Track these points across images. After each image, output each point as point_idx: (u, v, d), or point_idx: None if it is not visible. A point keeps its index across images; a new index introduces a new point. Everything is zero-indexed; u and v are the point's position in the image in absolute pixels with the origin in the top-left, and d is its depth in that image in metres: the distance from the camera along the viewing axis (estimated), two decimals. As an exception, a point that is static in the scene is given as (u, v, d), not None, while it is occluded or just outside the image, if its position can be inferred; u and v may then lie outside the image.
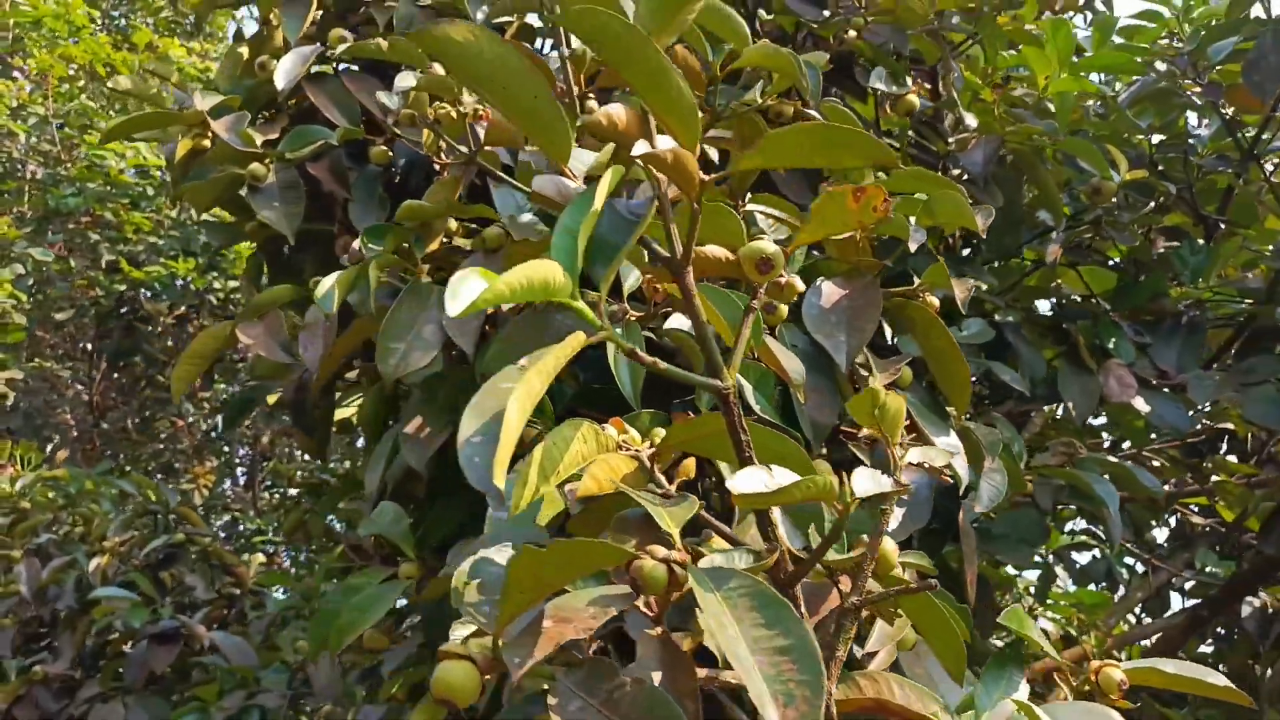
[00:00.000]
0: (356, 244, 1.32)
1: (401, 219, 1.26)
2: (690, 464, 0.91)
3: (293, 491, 6.61)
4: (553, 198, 0.72)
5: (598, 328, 0.67)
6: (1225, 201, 2.19)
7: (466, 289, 0.58)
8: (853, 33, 1.77)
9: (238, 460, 6.42)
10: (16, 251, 4.23)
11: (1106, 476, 1.77)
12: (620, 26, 0.65)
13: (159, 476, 5.66)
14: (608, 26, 0.65)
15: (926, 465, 0.87)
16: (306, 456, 4.82)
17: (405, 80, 1.18)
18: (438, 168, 1.29)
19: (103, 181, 4.60)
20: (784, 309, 1.07)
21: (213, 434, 5.97)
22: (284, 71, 1.67)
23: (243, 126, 1.58)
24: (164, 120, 1.64)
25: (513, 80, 0.72)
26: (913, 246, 1.16)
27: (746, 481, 0.65)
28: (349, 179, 1.68)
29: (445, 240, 1.38)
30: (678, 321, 1.17)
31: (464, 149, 1.29)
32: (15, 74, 6.52)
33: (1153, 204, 2.12)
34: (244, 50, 1.88)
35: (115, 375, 5.54)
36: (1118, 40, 2.20)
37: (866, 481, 0.71)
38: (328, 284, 1.19)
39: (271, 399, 2.17)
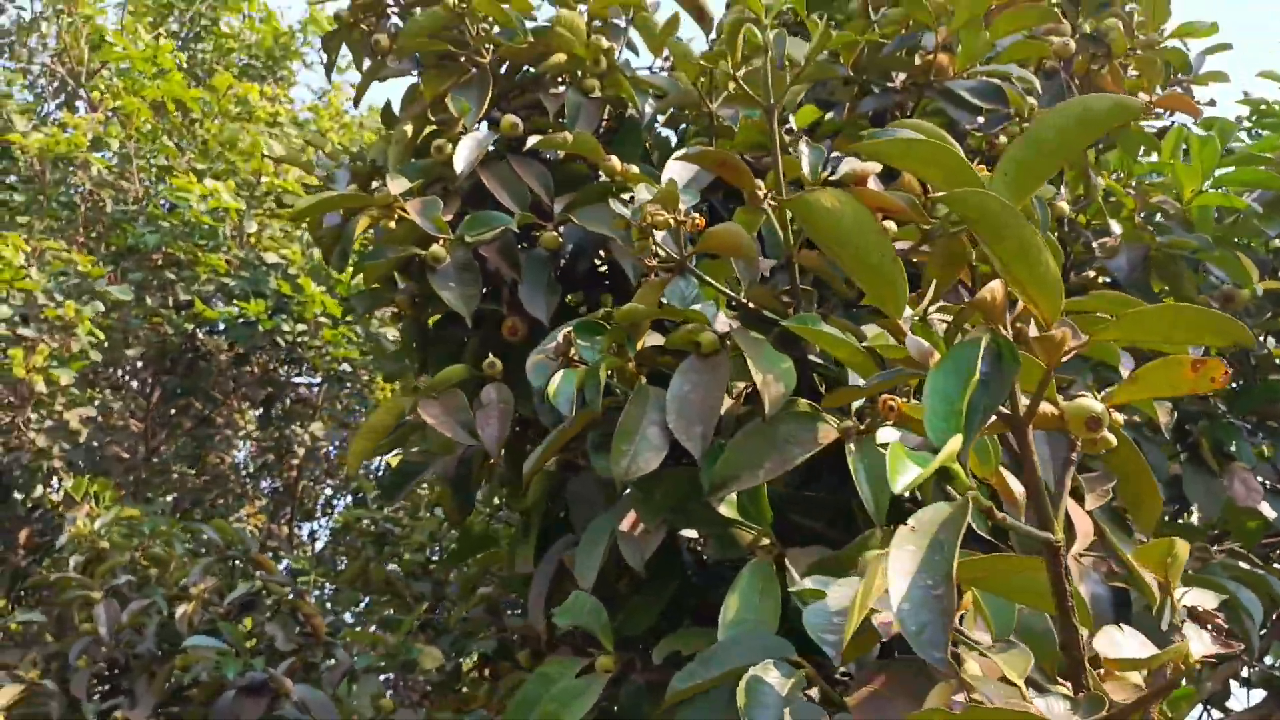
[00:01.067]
0: (561, 337, 1.37)
1: (621, 320, 1.31)
2: (969, 599, 0.94)
3: (309, 527, 6.61)
4: (915, 358, 0.76)
5: (967, 487, 0.70)
6: (1338, 309, 2.23)
7: (907, 473, 0.62)
8: (1004, 139, 1.83)
9: (263, 495, 6.44)
10: (98, 288, 4.30)
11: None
12: (998, 206, 0.70)
13: (197, 513, 5.69)
14: (987, 206, 0.70)
15: (1200, 610, 0.89)
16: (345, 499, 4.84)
17: (642, 194, 1.24)
18: (646, 270, 1.33)
19: (180, 221, 4.69)
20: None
21: (254, 474, 6.01)
22: (463, 157, 1.73)
23: (436, 213, 1.64)
24: (357, 201, 1.69)
25: (864, 241, 0.77)
26: (1124, 372, 1.19)
27: (1118, 646, 0.68)
28: (519, 261, 1.73)
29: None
30: (888, 435, 1.20)
31: (674, 254, 1.34)
32: (80, 104, 6.68)
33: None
34: (408, 128, 1.94)
35: (166, 411, 5.59)
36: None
37: (1200, 646, 0.74)
38: (559, 383, 1.23)
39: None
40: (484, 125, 1.91)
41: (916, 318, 1.37)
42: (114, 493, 3.71)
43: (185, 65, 5.41)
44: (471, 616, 3.58)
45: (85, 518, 3.63)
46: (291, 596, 3.30)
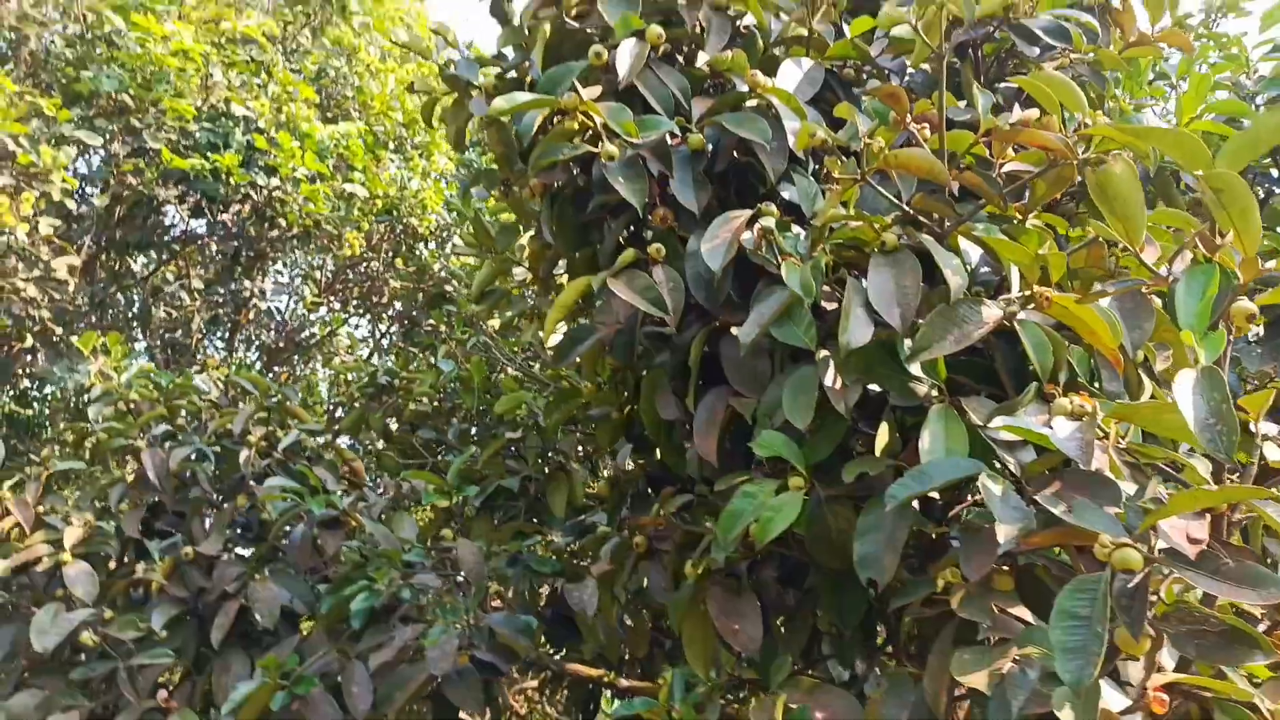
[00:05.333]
0: (756, 230, 1.72)
1: (823, 221, 1.66)
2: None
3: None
4: (1152, 271, 1.17)
5: (1193, 348, 1.14)
6: None
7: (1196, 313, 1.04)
8: (1047, 65, 2.22)
9: (218, 348, 6.49)
10: (67, 133, 4.19)
11: None
12: (1240, 185, 1.11)
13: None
14: (1233, 183, 1.11)
15: None
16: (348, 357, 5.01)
17: (865, 124, 1.57)
18: (835, 179, 1.69)
19: (139, 64, 4.53)
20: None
21: (207, 326, 6.01)
22: (625, 65, 2.00)
23: (626, 119, 1.90)
24: (557, 105, 1.92)
25: (1130, 194, 1.17)
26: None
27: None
28: (670, 159, 2.02)
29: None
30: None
31: (857, 170, 1.70)
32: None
33: None
34: (546, 28, 2.15)
35: (117, 262, 5.45)
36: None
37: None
38: (790, 273, 1.59)
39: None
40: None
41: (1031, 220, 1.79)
42: (125, 347, 3.80)
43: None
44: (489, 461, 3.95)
45: (98, 371, 3.72)
46: (332, 444, 3.57)
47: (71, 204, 4.21)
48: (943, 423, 1.56)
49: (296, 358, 7.17)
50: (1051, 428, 1.32)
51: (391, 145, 5.73)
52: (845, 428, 1.75)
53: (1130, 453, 1.37)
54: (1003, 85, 2.20)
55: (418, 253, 5.95)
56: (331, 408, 5.20)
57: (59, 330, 4.24)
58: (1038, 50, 2.19)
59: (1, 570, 3.05)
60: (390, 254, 5.74)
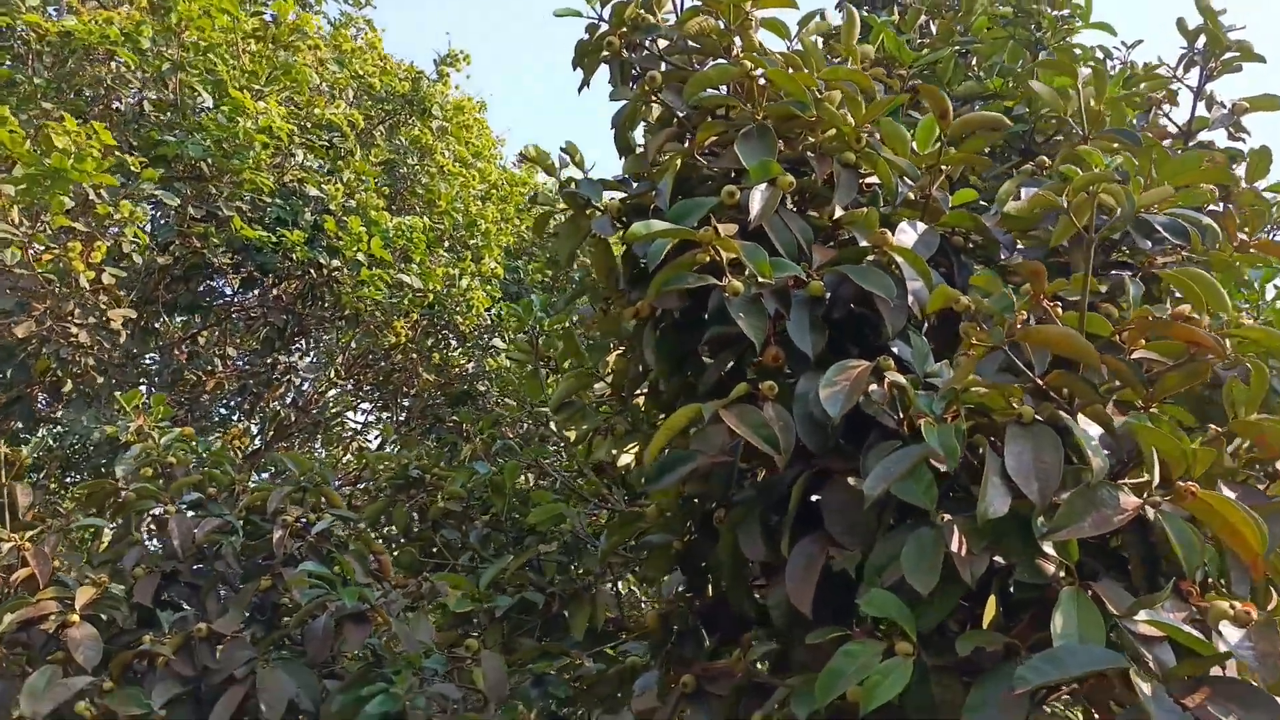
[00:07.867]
0: (887, 386, 1.71)
1: (962, 388, 1.66)
2: None
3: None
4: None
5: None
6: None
7: None
8: (1160, 259, 2.27)
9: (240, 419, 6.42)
10: (146, 191, 4.24)
11: None
12: None
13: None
14: None
15: None
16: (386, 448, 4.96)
17: (1000, 304, 1.59)
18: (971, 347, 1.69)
19: (225, 135, 4.64)
20: None
21: (234, 395, 5.97)
22: (758, 207, 2.04)
23: (762, 259, 1.93)
24: (693, 235, 1.95)
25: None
26: None
27: None
28: (790, 301, 2.04)
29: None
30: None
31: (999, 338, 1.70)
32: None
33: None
34: (678, 162, 2.21)
35: (145, 318, 5.46)
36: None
37: None
38: (935, 436, 1.57)
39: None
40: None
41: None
42: (168, 408, 3.74)
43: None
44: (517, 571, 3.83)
45: (135, 430, 3.65)
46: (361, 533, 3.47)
47: (139, 259, 4.24)
48: (1075, 607, 1.51)
49: (300, 435, 7.09)
50: (1219, 633, 1.27)
51: (447, 243, 5.82)
52: (960, 595, 1.70)
53: (1294, 669, 1.32)
54: (1113, 273, 2.24)
55: (451, 348, 5.97)
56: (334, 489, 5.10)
57: (100, 379, 4.19)
58: (1150, 244, 2.24)
59: (5, 626, 2.90)
60: (426, 347, 5.75)
